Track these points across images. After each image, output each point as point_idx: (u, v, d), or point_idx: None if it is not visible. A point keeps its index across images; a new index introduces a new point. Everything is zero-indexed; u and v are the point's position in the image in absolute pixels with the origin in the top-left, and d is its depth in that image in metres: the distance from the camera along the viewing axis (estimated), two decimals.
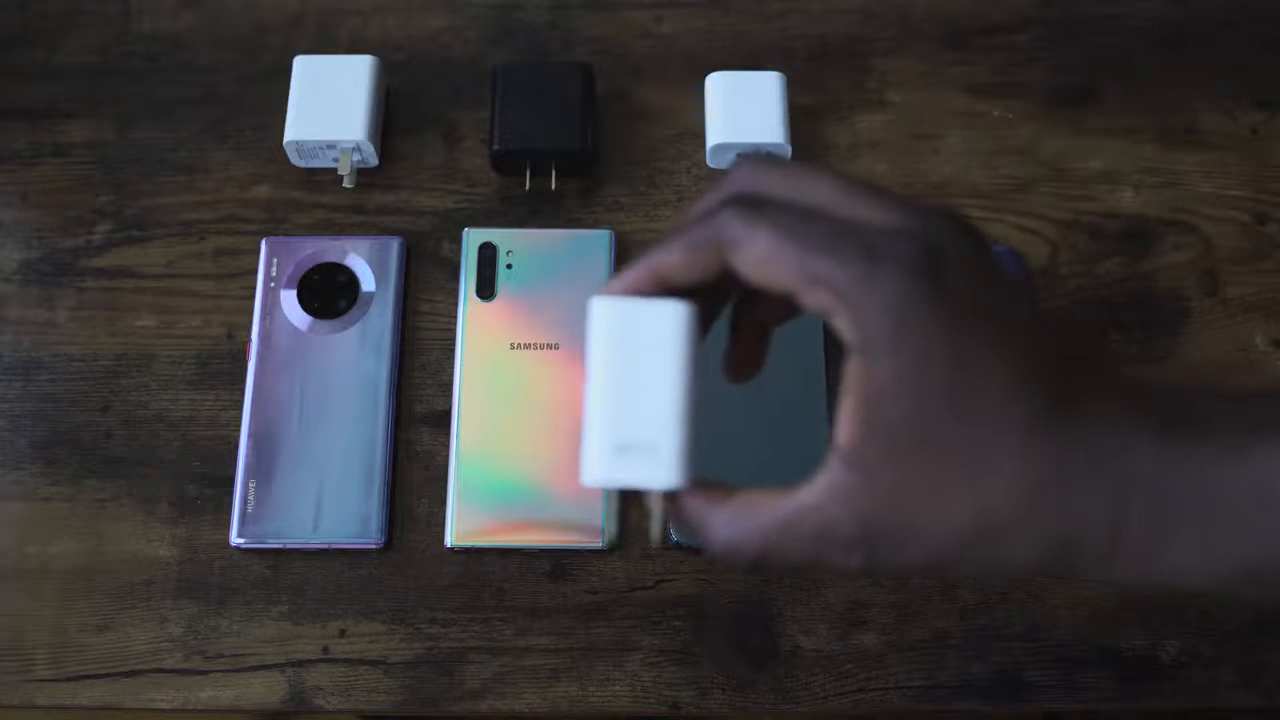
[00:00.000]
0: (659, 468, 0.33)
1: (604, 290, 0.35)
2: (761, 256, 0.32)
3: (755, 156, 0.35)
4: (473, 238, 0.58)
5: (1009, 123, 0.59)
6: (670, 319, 0.34)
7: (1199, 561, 0.31)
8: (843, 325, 0.31)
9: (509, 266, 0.57)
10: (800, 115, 0.61)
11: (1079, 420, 0.31)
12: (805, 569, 0.33)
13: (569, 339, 0.56)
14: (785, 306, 0.35)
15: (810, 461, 0.54)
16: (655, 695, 0.52)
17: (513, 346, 0.56)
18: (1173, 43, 0.63)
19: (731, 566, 0.34)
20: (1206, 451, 0.31)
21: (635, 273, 0.34)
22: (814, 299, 0.31)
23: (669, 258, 0.33)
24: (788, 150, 0.59)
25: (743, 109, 0.59)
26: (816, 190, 0.33)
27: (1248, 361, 0.57)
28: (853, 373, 0.31)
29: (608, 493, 0.53)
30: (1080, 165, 0.61)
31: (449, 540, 0.53)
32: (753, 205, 0.32)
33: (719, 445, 0.54)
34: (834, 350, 0.56)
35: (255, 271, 0.58)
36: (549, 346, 0.56)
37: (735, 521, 0.33)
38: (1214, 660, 0.52)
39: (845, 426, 0.32)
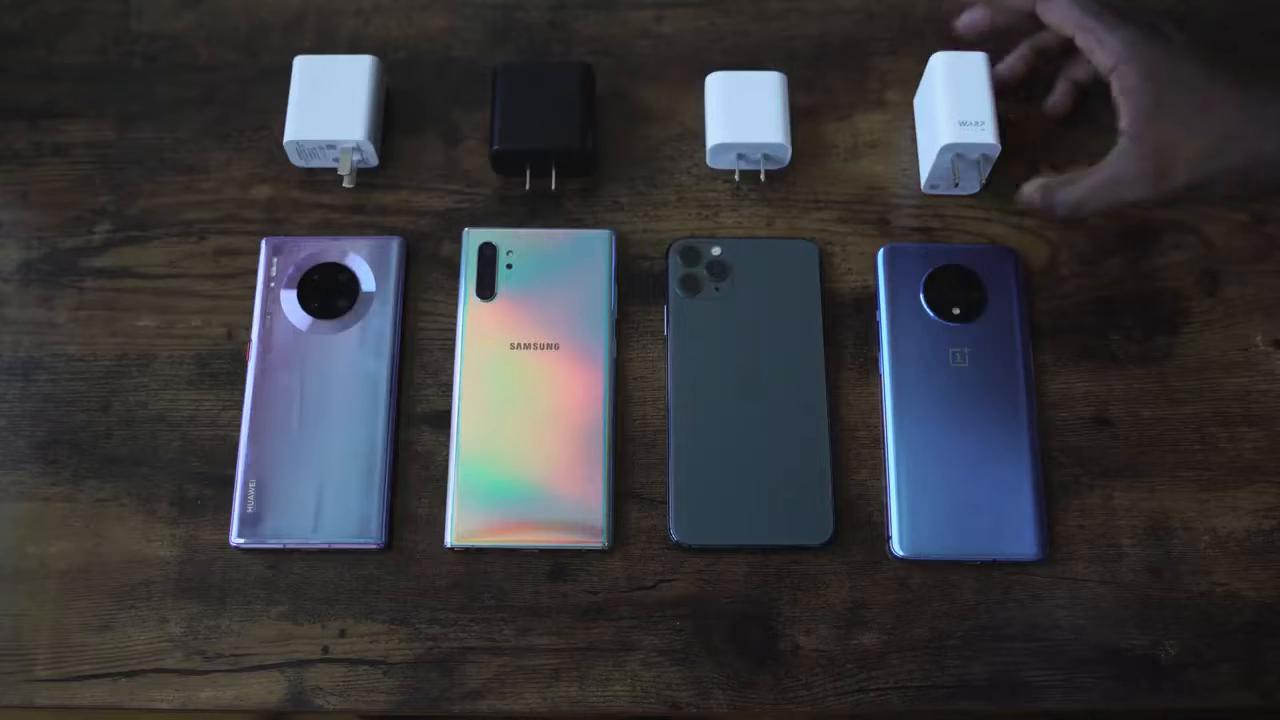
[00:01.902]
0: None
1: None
2: (1063, 12, 0.54)
3: None
4: (473, 238, 0.58)
5: (1009, 123, 0.59)
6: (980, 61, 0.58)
7: None
8: (1117, 78, 0.53)
9: (509, 266, 0.57)
10: (800, 115, 0.61)
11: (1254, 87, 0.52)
12: (1106, 209, 0.54)
13: (569, 339, 0.56)
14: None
15: (811, 465, 0.54)
16: (655, 695, 0.52)
17: (513, 346, 0.56)
18: None
19: (1060, 217, 0.55)
20: None
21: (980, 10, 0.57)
22: (1100, 56, 0.53)
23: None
24: (788, 151, 0.59)
25: (743, 109, 0.59)
26: None
27: (1247, 361, 0.57)
28: (1123, 93, 0.52)
29: (607, 493, 0.54)
30: (1080, 165, 0.61)
31: (449, 540, 0.53)
32: None
33: (726, 451, 0.54)
34: (833, 369, 0.56)
35: (255, 271, 0.58)
36: (549, 346, 0.56)
37: (1066, 189, 0.54)
38: (1214, 660, 0.52)
39: (1125, 117, 0.52)
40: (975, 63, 0.58)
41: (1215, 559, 0.54)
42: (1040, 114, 0.61)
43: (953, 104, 0.57)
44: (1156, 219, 0.60)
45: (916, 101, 0.61)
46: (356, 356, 0.56)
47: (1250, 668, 0.52)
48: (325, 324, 0.56)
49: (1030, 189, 0.55)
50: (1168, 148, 0.51)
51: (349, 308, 0.57)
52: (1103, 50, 0.52)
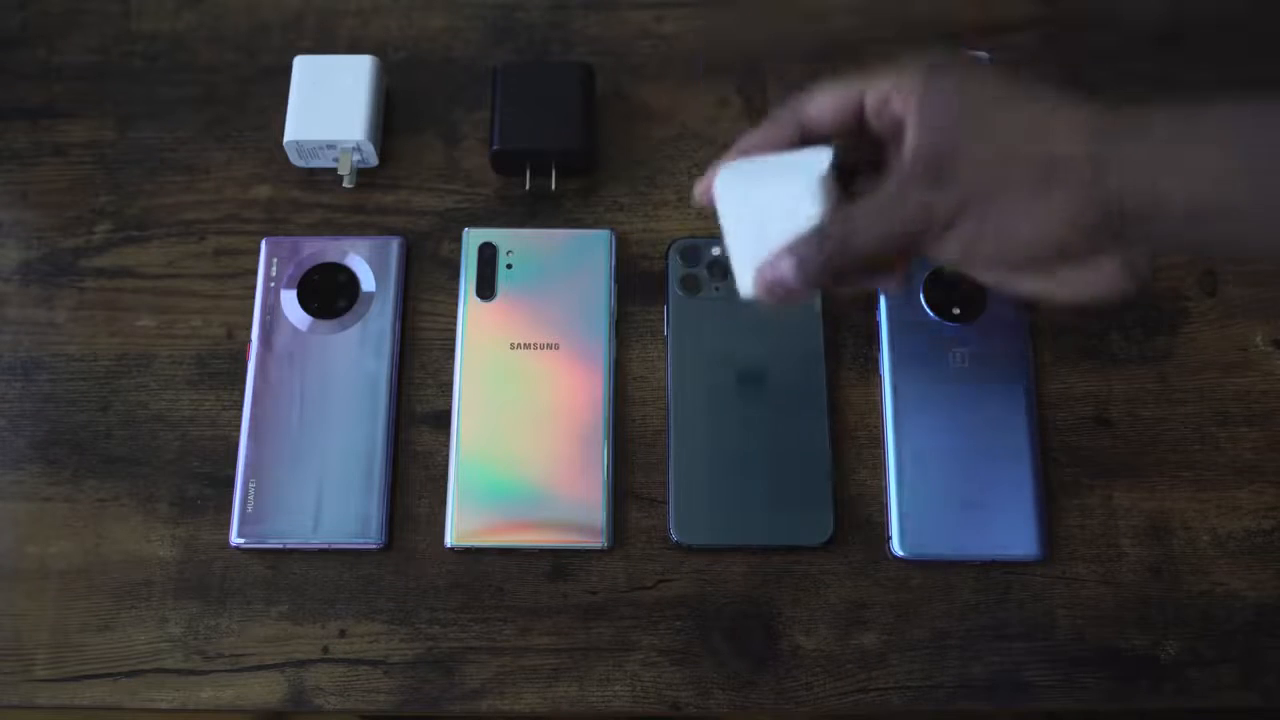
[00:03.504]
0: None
1: (699, 184, 0.45)
2: (827, 92, 0.44)
3: None
4: (473, 238, 0.58)
5: None
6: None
7: (1210, 162, 0.39)
8: (898, 95, 0.42)
9: (509, 266, 0.57)
10: None
11: (1094, 102, 0.40)
12: (888, 246, 0.42)
13: (569, 339, 0.56)
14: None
15: (811, 465, 0.54)
16: (655, 695, 0.52)
17: (513, 346, 0.56)
18: (1173, 43, 0.63)
19: (819, 262, 0.43)
20: (1215, 109, 0.39)
21: (724, 157, 0.45)
22: (877, 90, 0.42)
23: (750, 136, 0.45)
24: None
25: None
26: None
27: (1247, 361, 0.57)
28: (909, 105, 0.41)
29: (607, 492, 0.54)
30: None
31: (449, 540, 0.53)
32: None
33: (726, 451, 0.54)
34: (833, 369, 0.56)
35: (255, 271, 0.58)
36: (549, 346, 0.56)
37: (823, 241, 0.42)
38: (1214, 660, 0.52)
39: (908, 136, 0.41)
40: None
41: (1215, 559, 0.54)
42: None
43: None
44: None
45: None
46: (356, 356, 0.56)
47: (1250, 668, 0.52)
48: (325, 324, 0.56)
49: (771, 274, 0.43)
50: (950, 154, 0.40)
51: (349, 308, 0.57)
52: (899, 77, 0.42)
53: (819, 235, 0.42)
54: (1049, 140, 0.40)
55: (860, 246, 0.42)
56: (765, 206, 0.43)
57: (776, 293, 0.43)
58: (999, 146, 0.40)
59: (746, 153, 0.44)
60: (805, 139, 0.44)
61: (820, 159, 0.43)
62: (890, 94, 0.42)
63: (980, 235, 0.40)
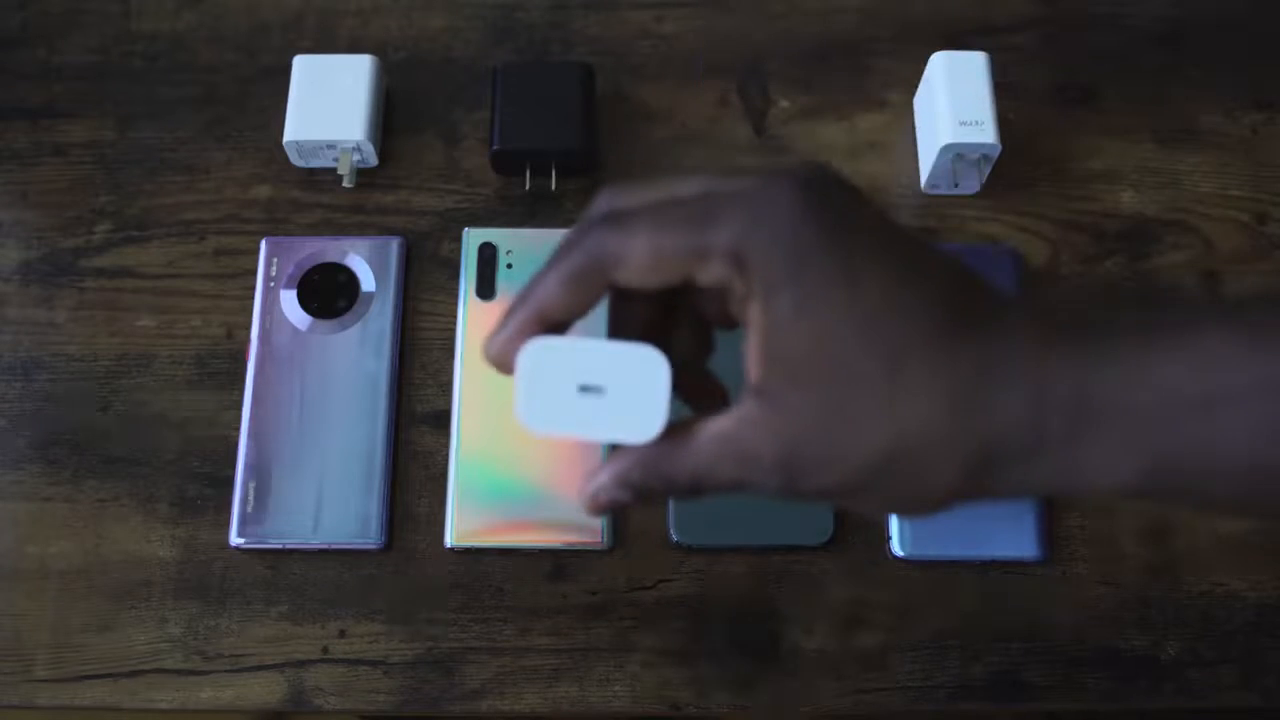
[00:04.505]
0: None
1: (492, 346, 0.35)
2: (646, 257, 0.32)
3: (612, 185, 0.35)
4: (473, 238, 0.58)
5: (1009, 123, 0.59)
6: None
7: (1117, 460, 0.31)
8: (741, 285, 0.31)
9: (509, 266, 0.57)
10: (800, 115, 0.61)
11: (985, 329, 0.31)
12: (735, 490, 0.34)
13: None
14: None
15: None
16: (655, 695, 0.52)
17: None
18: (1173, 43, 0.63)
19: (672, 495, 0.35)
20: (1114, 353, 0.31)
21: (519, 318, 0.34)
22: (710, 272, 0.32)
23: (548, 296, 0.34)
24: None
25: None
26: (679, 186, 0.33)
27: None
28: (753, 312, 0.32)
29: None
30: (1080, 165, 0.61)
31: (449, 540, 0.53)
32: (619, 217, 0.33)
33: None
34: None
35: (255, 271, 0.58)
36: None
37: (667, 453, 0.34)
38: (1214, 660, 0.52)
39: (752, 364, 0.32)
40: (975, 63, 0.58)
41: (1215, 559, 0.54)
42: (1039, 114, 0.61)
43: (953, 104, 0.57)
44: (1157, 219, 0.60)
45: (916, 101, 0.61)
46: (356, 356, 0.56)
47: (1250, 668, 0.52)
48: (325, 324, 0.56)
49: (606, 483, 0.35)
50: (819, 424, 0.32)
51: (349, 308, 0.57)
52: (742, 265, 0.31)
53: (657, 462, 0.34)
54: (935, 461, 0.31)
55: (714, 488, 0.34)
56: (592, 404, 0.35)
57: (603, 507, 0.36)
58: (871, 459, 0.31)
59: (545, 317, 0.34)
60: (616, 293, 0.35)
61: (658, 367, 0.35)
62: (731, 284, 0.32)
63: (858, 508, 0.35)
